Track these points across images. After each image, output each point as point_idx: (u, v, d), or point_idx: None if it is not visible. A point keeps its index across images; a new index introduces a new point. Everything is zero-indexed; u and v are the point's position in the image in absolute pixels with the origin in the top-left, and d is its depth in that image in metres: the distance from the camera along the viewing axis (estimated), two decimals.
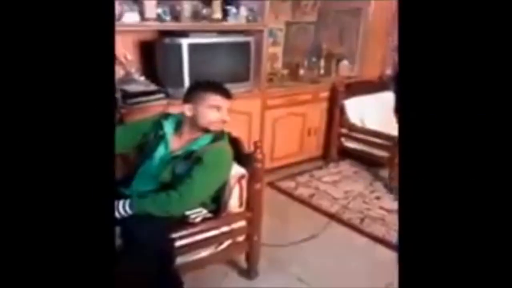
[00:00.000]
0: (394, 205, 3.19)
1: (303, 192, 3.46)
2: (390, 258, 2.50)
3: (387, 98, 4.08)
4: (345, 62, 4.17)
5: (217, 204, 2.07)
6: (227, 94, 1.95)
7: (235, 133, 2.15)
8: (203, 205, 1.99)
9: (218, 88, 1.95)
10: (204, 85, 1.97)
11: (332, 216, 3.06)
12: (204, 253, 2.04)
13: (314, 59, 4.16)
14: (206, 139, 1.95)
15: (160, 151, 1.98)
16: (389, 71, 4.36)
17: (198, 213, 1.97)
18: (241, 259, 2.36)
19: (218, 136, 1.97)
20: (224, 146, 1.97)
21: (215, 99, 1.92)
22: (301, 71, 3.99)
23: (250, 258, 2.29)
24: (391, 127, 3.82)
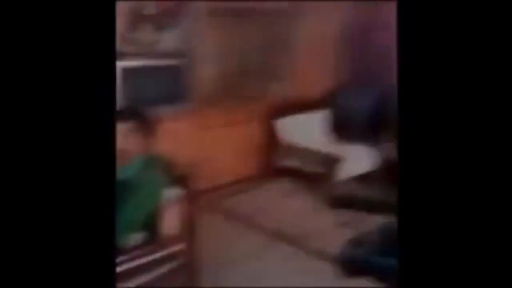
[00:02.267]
0: (335, 220, 3.25)
1: (243, 211, 3.47)
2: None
3: (322, 116, 4.21)
4: (279, 81, 4.26)
5: (152, 229, 2.02)
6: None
7: (172, 154, 2.13)
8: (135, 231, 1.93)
9: None
10: None
11: (275, 235, 3.07)
12: (141, 280, 1.97)
13: (249, 79, 4.21)
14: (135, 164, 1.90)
15: None
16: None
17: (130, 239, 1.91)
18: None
19: (149, 161, 1.93)
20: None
21: None
22: (239, 91, 4.04)
23: (191, 282, 2.23)
24: (326, 145, 3.96)
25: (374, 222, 2.64)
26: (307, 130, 4.09)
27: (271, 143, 4.04)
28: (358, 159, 3.77)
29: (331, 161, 3.64)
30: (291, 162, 3.96)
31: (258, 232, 3.14)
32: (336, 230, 3.09)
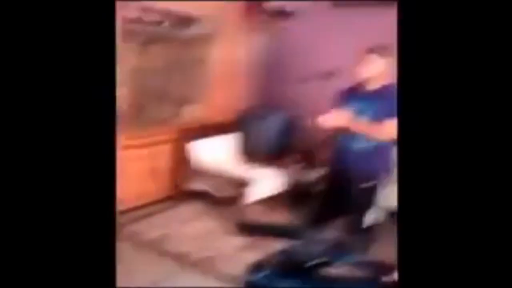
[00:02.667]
0: (240, 243, 3.31)
1: (151, 235, 3.40)
2: None
3: (233, 140, 4.33)
4: (192, 104, 4.29)
5: None
6: None
7: None
8: None
9: None
10: None
11: (182, 259, 3.06)
12: None
13: (160, 101, 4.19)
14: None
15: None
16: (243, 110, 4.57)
17: None
18: None
19: None
20: None
21: None
22: (150, 113, 3.99)
23: None
24: (235, 168, 4.06)
25: (277, 245, 2.75)
26: (217, 153, 4.16)
27: (181, 166, 4.03)
28: (265, 182, 3.92)
29: (239, 185, 3.74)
30: (200, 185, 3.98)
31: (166, 257, 3.10)
32: (241, 254, 3.16)
